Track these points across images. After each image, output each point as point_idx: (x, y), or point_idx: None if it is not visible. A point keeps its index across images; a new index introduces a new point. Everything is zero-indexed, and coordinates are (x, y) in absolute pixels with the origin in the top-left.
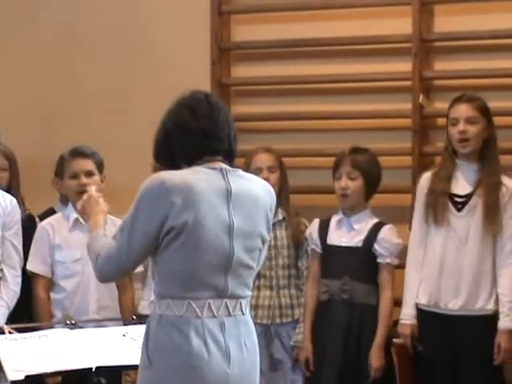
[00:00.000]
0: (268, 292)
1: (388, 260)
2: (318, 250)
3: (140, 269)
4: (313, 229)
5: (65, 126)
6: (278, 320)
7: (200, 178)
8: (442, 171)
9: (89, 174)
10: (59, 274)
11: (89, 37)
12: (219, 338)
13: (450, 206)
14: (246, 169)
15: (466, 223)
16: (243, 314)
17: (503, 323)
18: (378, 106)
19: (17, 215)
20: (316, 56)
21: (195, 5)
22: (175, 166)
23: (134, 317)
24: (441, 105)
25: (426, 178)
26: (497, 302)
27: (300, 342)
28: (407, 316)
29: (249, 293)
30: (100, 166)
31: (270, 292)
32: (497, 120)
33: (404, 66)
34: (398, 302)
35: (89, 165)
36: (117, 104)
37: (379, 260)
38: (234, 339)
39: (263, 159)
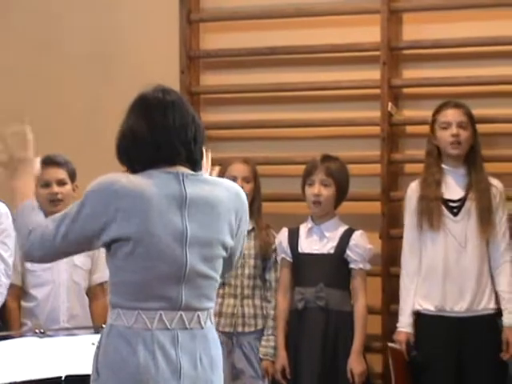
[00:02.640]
0: (232, 300)
1: (361, 265)
2: (289, 258)
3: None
4: (282, 238)
5: (35, 132)
6: (240, 329)
7: (153, 182)
8: (430, 177)
9: (61, 182)
10: (30, 282)
11: (59, 44)
12: (170, 352)
13: (445, 210)
14: (221, 176)
15: (463, 227)
16: (202, 327)
17: (508, 320)
18: (347, 113)
19: (5, 222)
20: (285, 64)
21: (164, 13)
22: (132, 168)
23: (104, 325)
24: (409, 112)
25: (413, 186)
26: (497, 300)
27: (269, 354)
28: (403, 324)
29: (209, 304)
30: (72, 175)
31: (234, 301)
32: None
33: (373, 74)
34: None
35: (61, 173)
36: (86, 111)
37: (352, 266)
38: (187, 354)
39: (239, 169)
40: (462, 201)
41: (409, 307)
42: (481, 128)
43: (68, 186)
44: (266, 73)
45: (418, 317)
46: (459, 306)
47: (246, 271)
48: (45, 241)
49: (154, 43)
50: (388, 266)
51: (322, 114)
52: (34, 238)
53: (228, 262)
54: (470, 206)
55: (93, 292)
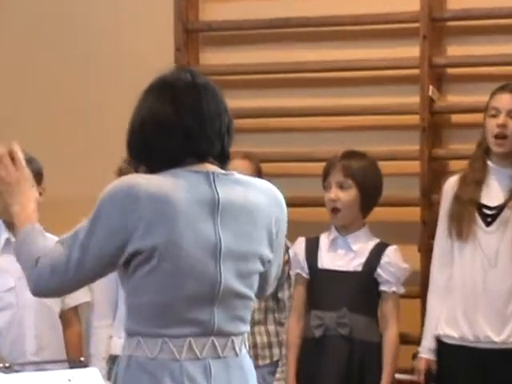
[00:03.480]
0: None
1: (394, 288)
2: (305, 275)
3: (87, 299)
4: (298, 249)
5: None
6: (264, 361)
7: (180, 184)
8: (471, 175)
9: None
10: None
11: (48, 24)
12: None
13: (478, 218)
14: None
15: (496, 240)
16: (237, 355)
17: None
18: (379, 99)
19: None
20: (302, 39)
21: None
22: (152, 165)
23: (82, 358)
24: (455, 98)
25: (451, 182)
26: None
27: None
28: (423, 349)
29: (244, 328)
30: (39, 178)
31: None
32: None
33: (410, 50)
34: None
35: None
36: (76, 100)
37: (383, 288)
38: None
39: (240, 166)
40: (501, 209)
41: (432, 330)
42: None
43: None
44: (279, 49)
45: (439, 344)
46: (484, 336)
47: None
48: (56, 269)
49: (145, 14)
50: (428, 285)
51: (347, 101)
52: (43, 268)
53: (262, 281)
54: (510, 215)
55: (66, 317)
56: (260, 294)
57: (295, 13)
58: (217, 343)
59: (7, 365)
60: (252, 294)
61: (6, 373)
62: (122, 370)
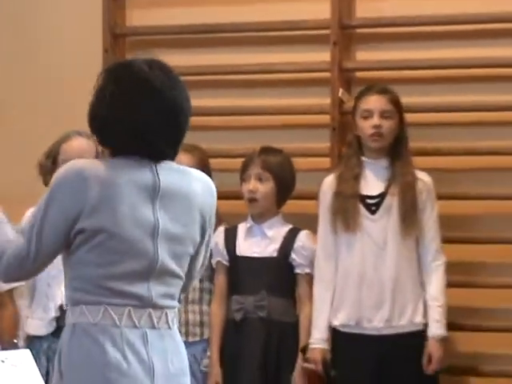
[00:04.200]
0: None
1: (307, 270)
2: (225, 262)
3: (21, 283)
4: (218, 239)
5: None
6: (183, 338)
7: (123, 171)
8: (348, 171)
9: None
10: None
11: None
12: (141, 352)
13: (363, 209)
14: None
15: (383, 226)
16: (170, 328)
17: (434, 330)
18: (293, 100)
19: None
20: (223, 44)
21: None
22: (107, 145)
23: (15, 340)
24: None
25: (328, 181)
26: (425, 314)
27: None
28: (318, 340)
29: (176, 304)
30: None
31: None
32: (423, 116)
33: (322, 55)
34: None
35: None
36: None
37: (297, 271)
38: (158, 354)
39: (181, 160)
40: (382, 196)
41: (323, 320)
42: (441, 117)
43: None
44: (202, 53)
45: (334, 332)
46: (377, 320)
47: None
48: (20, 258)
49: (75, 18)
50: None
51: (265, 101)
52: (8, 259)
53: (191, 265)
54: (391, 201)
55: (0, 300)
56: (187, 277)
57: (215, 19)
58: (153, 315)
59: None
60: (183, 274)
61: None
62: (67, 336)
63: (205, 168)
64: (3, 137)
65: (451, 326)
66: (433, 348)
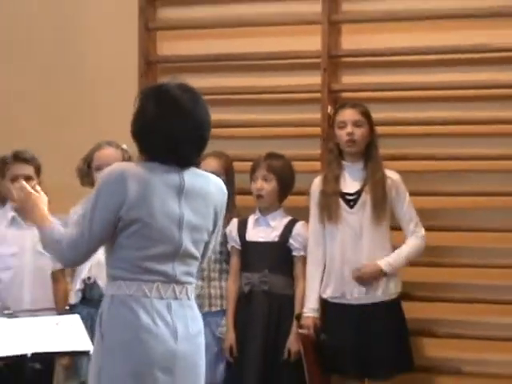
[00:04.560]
0: (199, 282)
1: (302, 253)
2: (237, 246)
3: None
4: (232, 228)
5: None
6: (207, 309)
7: (156, 173)
8: (330, 173)
9: (28, 178)
10: None
11: (20, 50)
12: (167, 318)
13: (343, 204)
14: None
15: (359, 218)
16: (188, 299)
17: (381, 263)
18: (291, 115)
19: None
20: (235, 70)
21: (124, 22)
22: (145, 153)
23: (67, 307)
24: None
25: (316, 182)
26: (398, 285)
27: (224, 333)
28: (309, 310)
29: (194, 281)
30: (38, 171)
31: (202, 282)
32: (398, 128)
33: (314, 79)
34: None
35: (28, 170)
36: (50, 115)
37: (294, 253)
38: (180, 320)
39: (211, 164)
40: (358, 194)
41: (314, 293)
42: (409, 129)
43: (34, 182)
44: (218, 77)
45: (324, 303)
46: (357, 293)
47: (213, 256)
48: (75, 244)
49: (114, 49)
50: None
51: (268, 116)
52: (66, 247)
53: (204, 249)
54: (366, 198)
55: (55, 276)
56: (201, 258)
57: (229, 50)
58: (176, 289)
59: (10, 312)
60: (199, 257)
61: (8, 317)
62: (107, 305)
63: (229, 170)
64: (55, 143)
65: (418, 297)
66: (368, 268)
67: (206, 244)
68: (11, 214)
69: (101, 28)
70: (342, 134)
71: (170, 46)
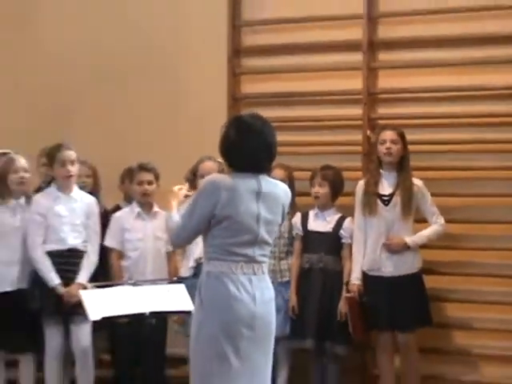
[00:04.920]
0: (272, 261)
1: (349, 241)
2: (300, 233)
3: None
4: (296, 219)
5: (124, 146)
6: (279, 280)
7: (241, 182)
8: (371, 179)
9: (149, 183)
10: (127, 248)
11: (134, 78)
12: (248, 288)
13: (379, 202)
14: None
15: (391, 214)
16: (263, 273)
17: (408, 239)
18: (340, 137)
19: (95, 209)
20: (298, 104)
21: (216, 69)
22: (231, 167)
23: (176, 278)
24: None
25: (360, 184)
26: (419, 262)
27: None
28: (355, 279)
29: (267, 260)
30: (157, 178)
31: (274, 261)
32: (419, 146)
33: (357, 111)
34: None
35: (150, 176)
36: (168, 141)
37: (343, 241)
38: (258, 289)
39: (278, 173)
40: (391, 195)
41: (358, 267)
42: (429, 147)
43: (154, 185)
44: (283, 110)
45: (364, 275)
46: (389, 268)
47: (282, 241)
48: (180, 231)
49: (210, 89)
50: None
51: (323, 138)
52: (175, 232)
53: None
54: (397, 199)
55: (168, 255)
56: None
57: (294, 89)
58: (255, 267)
59: (134, 281)
60: (271, 242)
61: (133, 286)
62: (204, 279)
63: (291, 178)
64: (168, 156)
65: (437, 272)
66: (398, 240)
67: (275, 233)
68: (137, 209)
69: (199, 73)
70: (382, 149)
71: (250, 86)
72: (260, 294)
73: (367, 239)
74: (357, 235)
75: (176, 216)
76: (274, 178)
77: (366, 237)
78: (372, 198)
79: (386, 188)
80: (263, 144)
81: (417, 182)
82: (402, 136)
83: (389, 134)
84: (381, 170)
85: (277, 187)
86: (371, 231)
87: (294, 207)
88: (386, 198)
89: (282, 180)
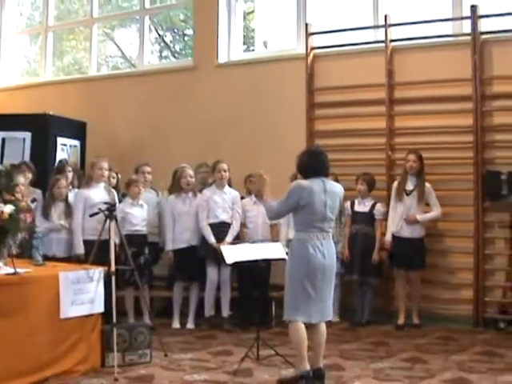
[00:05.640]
0: (334, 230)
1: (380, 217)
2: (349, 213)
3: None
4: (347, 205)
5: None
6: (335, 240)
7: (315, 184)
8: (402, 181)
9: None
10: (248, 221)
11: (243, 122)
12: (320, 248)
13: (405, 194)
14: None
15: (410, 201)
16: (329, 238)
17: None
18: (372, 156)
19: (238, 199)
20: (349, 136)
21: (299, 116)
22: (305, 177)
23: (276, 238)
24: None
25: (395, 183)
26: (423, 231)
27: (341, 251)
28: (388, 237)
29: (331, 230)
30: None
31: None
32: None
33: (381, 141)
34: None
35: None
36: (268, 156)
37: (376, 217)
38: (325, 249)
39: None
40: (412, 191)
41: (390, 231)
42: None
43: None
44: (341, 140)
45: (393, 236)
46: (406, 232)
47: (342, 218)
48: (278, 211)
49: (296, 128)
50: None
51: (363, 156)
52: (275, 210)
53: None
54: (415, 193)
55: (270, 226)
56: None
57: (348, 127)
58: (325, 235)
59: (253, 240)
60: (334, 219)
61: (251, 243)
62: (294, 243)
63: (337, 181)
64: (269, 171)
65: (431, 235)
66: (412, 216)
67: (335, 213)
68: (254, 199)
69: (288, 119)
70: (407, 165)
71: (319, 127)
72: (327, 251)
73: (395, 216)
74: (390, 213)
75: (273, 203)
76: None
77: (395, 214)
78: (401, 191)
79: (409, 186)
80: (321, 162)
81: (427, 184)
82: (419, 157)
83: (411, 157)
84: (408, 176)
85: (335, 186)
86: (398, 211)
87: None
88: (408, 192)
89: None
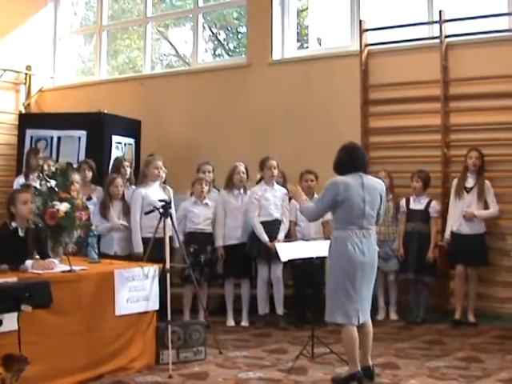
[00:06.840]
0: (383, 227)
1: (435, 215)
2: (404, 210)
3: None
4: (402, 203)
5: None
6: (387, 238)
7: (351, 179)
8: (462, 178)
9: (312, 180)
10: (299, 220)
11: (294, 114)
12: (360, 246)
13: (464, 191)
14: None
15: (470, 198)
16: (370, 236)
17: (476, 212)
18: (428, 153)
19: (287, 196)
20: (403, 133)
21: (354, 113)
22: (341, 174)
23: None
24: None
25: (455, 181)
26: (483, 227)
27: (397, 248)
28: (447, 235)
29: (373, 227)
30: (316, 178)
31: (384, 227)
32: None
33: (437, 137)
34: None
35: (312, 176)
36: (322, 150)
37: (431, 215)
38: (366, 246)
39: (381, 175)
40: (472, 188)
41: (449, 229)
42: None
43: (314, 182)
44: (393, 137)
45: (452, 233)
46: (466, 228)
47: (389, 215)
48: (313, 212)
49: (351, 125)
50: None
51: (418, 153)
52: (311, 210)
53: (376, 214)
54: (475, 190)
55: (322, 225)
56: (376, 220)
57: (401, 124)
58: (364, 232)
59: (306, 239)
60: (375, 216)
61: (305, 241)
62: (333, 240)
63: (390, 177)
64: (323, 165)
65: (493, 233)
66: (470, 212)
67: (377, 211)
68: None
69: (344, 115)
70: (470, 162)
71: (374, 123)
72: (367, 249)
73: (455, 213)
74: (450, 210)
75: (309, 204)
76: (379, 177)
77: (454, 211)
78: (460, 188)
79: (469, 183)
80: (358, 157)
81: (487, 181)
82: (481, 154)
83: (473, 153)
84: (467, 173)
85: (374, 181)
86: (458, 207)
87: (392, 194)
88: (468, 189)
89: (384, 178)
